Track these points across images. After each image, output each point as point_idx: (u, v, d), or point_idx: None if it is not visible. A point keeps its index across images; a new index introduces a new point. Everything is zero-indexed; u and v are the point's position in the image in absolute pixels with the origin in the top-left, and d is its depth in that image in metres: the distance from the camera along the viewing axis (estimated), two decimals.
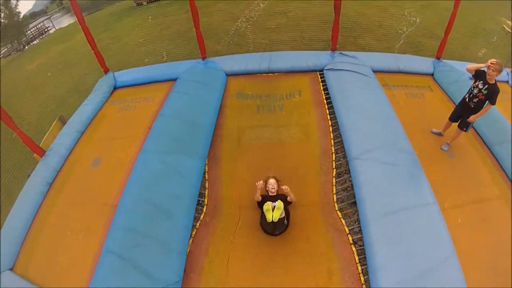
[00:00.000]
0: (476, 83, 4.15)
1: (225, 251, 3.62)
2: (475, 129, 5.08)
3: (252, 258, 3.59)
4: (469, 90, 4.30)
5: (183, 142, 4.54)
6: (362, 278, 3.33)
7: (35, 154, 5.31)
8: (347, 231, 3.72)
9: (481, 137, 5.02)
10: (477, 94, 4.14)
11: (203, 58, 6.80)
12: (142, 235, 3.52)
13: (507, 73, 6.98)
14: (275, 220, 3.50)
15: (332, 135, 4.94)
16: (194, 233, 3.81)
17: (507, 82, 6.84)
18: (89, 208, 4.24)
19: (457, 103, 4.85)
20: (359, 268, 3.41)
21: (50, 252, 3.92)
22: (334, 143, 4.81)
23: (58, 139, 5.47)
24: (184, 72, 6.31)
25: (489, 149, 4.82)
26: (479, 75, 4.14)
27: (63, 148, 5.24)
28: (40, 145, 5.38)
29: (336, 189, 4.21)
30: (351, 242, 3.62)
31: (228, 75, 6.43)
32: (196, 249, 3.66)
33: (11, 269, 3.90)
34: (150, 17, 11.24)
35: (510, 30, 11.63)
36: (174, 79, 6.23)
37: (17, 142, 5.22)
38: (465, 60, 7.52)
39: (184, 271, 3.43)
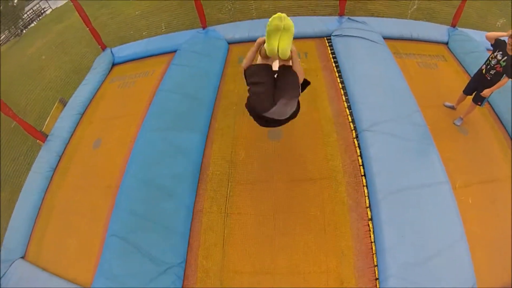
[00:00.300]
0: (495, 54, 3.82)
1: (220, 225, 3.49)
2: (490, 105, 4.72)
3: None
4: (486, 61, 3.96)
5: (184, 117, 4.33)
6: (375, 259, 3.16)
7: (38, 140, 5.23)
8: (367, 204, 3.49)
9: (496, 114, 4.66)
10: (495, 66, 3.80)
11: (204, 28, 6.46)
12: (145, 217, 3.42)
13: None
14: (283, 55, 2.57)
15: (344, 98, 4.62)
16: None
17: None
18: (93, 191, 4.17)
19: (472, 75, 4.48)
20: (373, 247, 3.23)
21: (59, 237, 3.92)
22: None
23: (59, 123, 5.36)
24: (184, 43, 6.00)
25: (504, 127, 4.48)
26: (499, 44, 3.80)
27: (64, 131, 5.14)
28: (43, 130, 5.27)
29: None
30: (369, 218, 3.41)
31: (230, 43, 6.09)
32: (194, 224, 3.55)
33: (23, 257, 3.91)
34: None
35: None
36: (174, 51, 5.94)
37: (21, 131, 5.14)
38: (481, 30, 6.97)
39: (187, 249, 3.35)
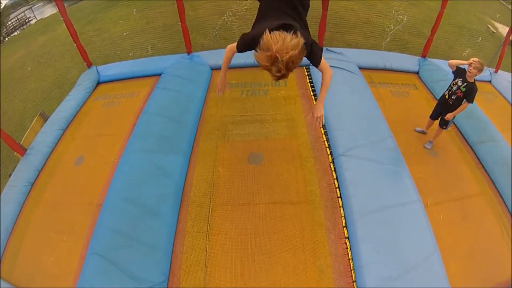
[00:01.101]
0: (456, 80, 4.26)
1: (202, 245, 3.60)
2: (458, 128, 5.22)
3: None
4: (449, 87, 4.40)
5: (168, 140, 4.48)
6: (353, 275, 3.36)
7: (16, 152, 5.19)
8: (344, 224, 3.73)
9: (463, 136, 5.15)
10: (456, 91, 4.25)
11: (188, 53, 6.70)
12: (127, 236, 3.47)
13: (490, 73, 7.19)
14: None
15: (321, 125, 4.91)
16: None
17: (490, 81, 7.05)
18: (73, 208, 4.16)
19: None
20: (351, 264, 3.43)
21: (34, 254, 3.85)
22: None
23: (40, 137, 5.33)
24: (168, 67, 6.20)
25: (471, 148, 4.94)
26: (459, 72, 4.24)
27: (45, 146, 5.12)
28: (21, 142, 5.24)
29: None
30: (346, 236, 3.63)
31: (213, 69, 6.34)
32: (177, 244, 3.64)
33: None
34: (135, 10, 11.00)
35: (495, 31, 11.85)
36: (159, 74, 6.10)
37: None
38: (450, 59, 7.64)
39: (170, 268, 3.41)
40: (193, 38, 6.67)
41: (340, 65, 5.97)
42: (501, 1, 16.30)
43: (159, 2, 12.35)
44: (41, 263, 3.73)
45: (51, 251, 3.81)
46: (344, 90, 5.37)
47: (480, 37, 10.47)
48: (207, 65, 6.34)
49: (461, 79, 4.19)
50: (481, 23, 12.32)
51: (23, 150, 5.12)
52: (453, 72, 4.34)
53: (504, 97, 6.64)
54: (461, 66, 4.24)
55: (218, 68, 6.30)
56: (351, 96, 5.26)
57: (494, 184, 4.47)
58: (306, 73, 6.13)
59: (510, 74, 7.64)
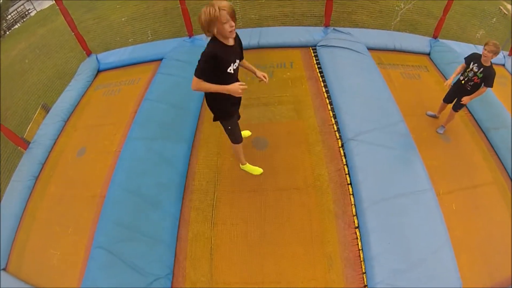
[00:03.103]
0: (471, 66, 3.95)
1: (207, 235, 3.51)
2: (471, 113, 4.98)
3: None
4: (464, 73, 4.10)
5: (169, 128, 4.35)
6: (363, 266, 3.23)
7: (19, 147, 5.14)
8: (354, 213, 3.58)
9: (477, 122, 4.91)
10: (472, 78, 3.95)
11: (190, 36, 6.50)
12: (131, 228, 3.39)
13: (504, 56, 6.82)
14: None
15: (329, 107, 4.74)
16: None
17: (503, 65, 6.69)
18: (77, 201, 4.09)
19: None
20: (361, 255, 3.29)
21: (41, 249, 3.82)
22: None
23: (42, 130, 5.27)
24: (170, 51, 6.02)
25: (485, 134, 4.71)
26: (473, 57, 3.96)
27: (47, 138, 5.06)
28: (24, 136, 5.19)
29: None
30: (356, 225, 3.48)
31: None
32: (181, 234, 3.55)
33: (4, 269, 3.82)
34: None
35: (507, 12, 11.32)
36: (160, 59, 5.95)
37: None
38: (462, 40, 7.40)
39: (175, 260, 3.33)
40: (194, 21, 6.40)
41: (348, 45, 5.72)
42: None
43: None
44: (48, 257, 3.70)
45: (57, 245, 3.78)
46: (352, 71, 5.16)
47: (494, 18, 9.97)
48: None
49: (476, 65, 3.89)
50: (494, 4, 11.76)
51: (26, 144, 5.07)
52: (465, 58, 4.07)
53: None
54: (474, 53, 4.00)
55: None
56: (360, 78, 5.05)
57: (507, 172, 4.26)
58: (312, 54, 5.89)
59: None
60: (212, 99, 3.05)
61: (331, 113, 4.63)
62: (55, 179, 4.50)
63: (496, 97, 5.08)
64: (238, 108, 3.37)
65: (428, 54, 6.34)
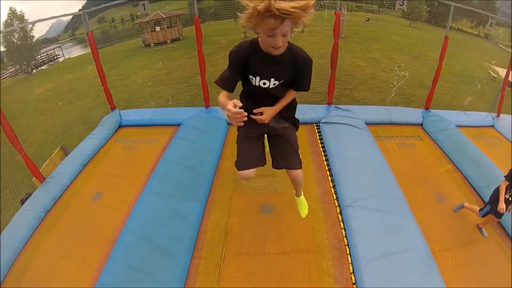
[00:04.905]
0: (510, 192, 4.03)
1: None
2: (463, 174, 5.56)
3: None
4: (510, 190, 4.09)
5: (185, 187, 4.80)
6: None
7: (34, 178, 5.47)
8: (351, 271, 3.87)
9: (468, 181, 5.45)
10: None
11: (207, 107, 7.27)
12: (140, 271, 3.61)
13: (492, 117, 7.70)
14: None
15: (330, 179, 5.26)
16: None
17: (493, 126, 7.55)
18: (87, 240, 4.33)
19: (444, 150, 5.50)
20: None
21: (42, 278, 3.94)
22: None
23: (60, 169, 5.65)
24: (187, 118, 6.72)
25: (477, 192, 5.22)
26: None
27: (64, 177, 5.42)
28: (40, 170, 5.53)
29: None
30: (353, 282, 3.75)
31: (229, 124, 6.77)
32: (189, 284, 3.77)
33: None
34: (160, 62, 11.89)
35: (495, 75, 12.62)
36: (178, 124, 6.63)
37: (10, 164, 5.32)
38: (452, 108, 8.38)
39: None
40: (210, 92, 7.22)
41: (348, 122, 6.49)
42: (500, 45, 17.39)
43: (179, 55, 13.38)
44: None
45: (59, 278, 3.91)
46: (352, 146, 5.81)
47: (479, 85, 11.12)
48: (223, 120, 6.84)
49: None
50: (481, 70, 13.07)
51: (42, 178, 5.41)
52: (505, 176, 4.11)
53: (508, 140, 7.02)
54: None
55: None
56: (359, 151, 5.65)
57: (503, 227, 4.56)
58: (316, 130, 6.64)
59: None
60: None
61: (331, 184, 5.15)
62: (66, 216, 4.78)
63: (487, 157, 5.68)
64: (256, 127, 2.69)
65: (421, 125, 7.20)
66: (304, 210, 3.62)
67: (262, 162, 2.91)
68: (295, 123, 2.94)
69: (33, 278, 4.00)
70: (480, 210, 4.39)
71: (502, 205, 3.95)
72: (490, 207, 4.21)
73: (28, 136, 7.73)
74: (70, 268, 4.02)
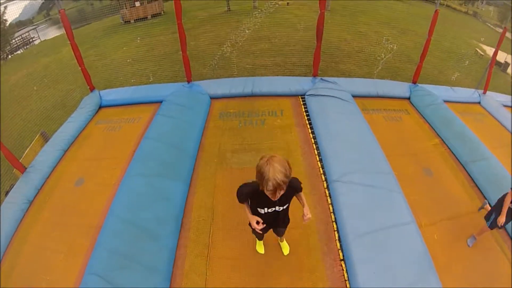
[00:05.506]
0: None
1: (203, 269, 3.68)
2: (450, 149, 5.55)
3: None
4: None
5: (168, 166, 4.65)
6: None
7: (15, 169, 5.28)
8: (338, 247, 3.85)
9: (456, 156, 5.43)
10: None
11: (189, 82, 7.02)
12: (127, 256, 3.54)
13: (479, 94, 7.69)
14: None
15: (316, 152, 5.16)
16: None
17: (479, 103, 7.54)
18: (72, 228, 4.22)
19: (431, 124, 5.40)
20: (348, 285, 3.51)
21: (29, 272, 3.86)
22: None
23: (40, 156, 5.46)
24: (169, 95, 6.48)
25: (464, 167, 5.20)
26: None
27: (45, 165, 5.24)
28: (20, 160, 5.32)
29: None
30: (341, 258, 3.74)
31: (212, 98, 6.68)
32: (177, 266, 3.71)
33: None
34: (138, 38, 11.42)
35: (482, 53, 12.55)
36: (160, 101, 6.39)
37: None
38: (439, 83, 8.27)
39: None
40: (192, 67, 7.00)
41: (334, 94, 6.34)
42: (488, 24, 17.24)
43: (160, 30, 12.90)
44: (37, 282, 3.74)
45: (48, 270, 3.83)
46: (338, 118, 5.68)
47: (467, 61, 11.04)
48: (206, 94, 6.66)
49: None
50: (469, 47, 13.02)
51: (23, 168, 5.22)
52: None
53: (494, 117, 7.07)
54: None
55: (216, 97, 6.67)
56: (345, 124, 5.54)
57: (488, 202, 4.54)
58: (301, 103, 6.48)
59: (497, 94, 8.14)
60: None
61: (317, 158, 5.06)
62: (50, 206, 4.64)
63: (473, 132, 5.66)
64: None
65: (409, 98, 7.08)
66: (286, 250, 3.86)
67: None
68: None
69: (22, 273, 3.90)
70: (487, 221, 4.05)
71: (502, 219, 3.72)
72: (495, 216, 3.91)
73: (7, 127, 7.42)
74: (57, 259, 3.93)
